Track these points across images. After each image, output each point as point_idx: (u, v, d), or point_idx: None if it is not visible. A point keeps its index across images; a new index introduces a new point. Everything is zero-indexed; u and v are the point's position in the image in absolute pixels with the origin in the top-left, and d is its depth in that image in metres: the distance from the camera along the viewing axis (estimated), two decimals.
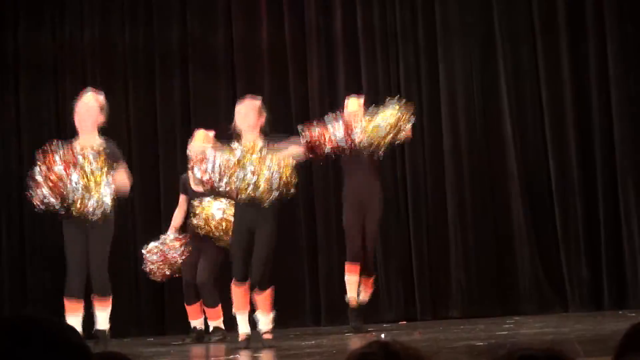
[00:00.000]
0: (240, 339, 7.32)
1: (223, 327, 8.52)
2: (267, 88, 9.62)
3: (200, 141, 8.34)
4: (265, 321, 7.20)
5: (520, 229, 9.16)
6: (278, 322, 7.65)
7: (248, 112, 7.48)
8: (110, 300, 7.27)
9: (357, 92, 8.77)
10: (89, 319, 7.00)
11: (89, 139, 7.17)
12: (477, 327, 7.75)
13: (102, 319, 7.21)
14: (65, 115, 9.83)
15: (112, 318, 7.30)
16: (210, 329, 8.55)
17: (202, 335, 8.53)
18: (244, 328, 7.29)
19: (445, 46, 9.52)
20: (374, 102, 8.40)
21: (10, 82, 9.96)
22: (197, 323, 8.58)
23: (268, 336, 7.24)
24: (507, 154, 9.28)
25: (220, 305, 8.49)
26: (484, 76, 9.48)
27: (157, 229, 8.81)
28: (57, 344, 1.54)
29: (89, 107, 7.26)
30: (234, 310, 7.30)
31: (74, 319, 6.84)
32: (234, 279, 7.19)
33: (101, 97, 7.32)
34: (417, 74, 9.55)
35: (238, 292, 7.23)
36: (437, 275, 8.88)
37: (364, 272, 8.10)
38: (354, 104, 8.27)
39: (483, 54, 9.50)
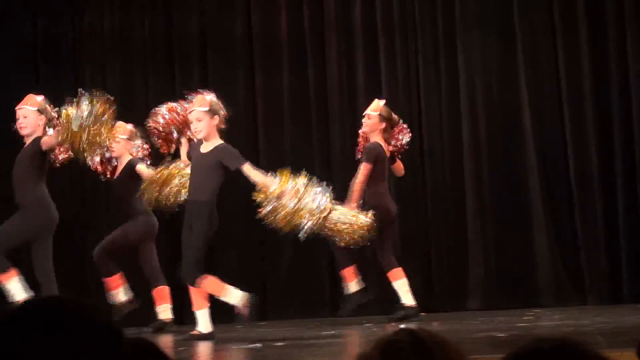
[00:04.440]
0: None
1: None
2: (285, 77, 9.63)
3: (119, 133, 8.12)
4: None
5: (539, 221, 9.13)
6: (297, 313, 7.64)
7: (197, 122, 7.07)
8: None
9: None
10: None
11: None
12: (496, 319, 7.74)
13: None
14: None
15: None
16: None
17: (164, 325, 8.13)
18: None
19: (465, 39, 9.49)
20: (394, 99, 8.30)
21: (29, 73, 9.95)
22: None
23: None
24: (527, 147, 9.26)
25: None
26: (503, 69, 9.45)
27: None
28: (89, 326, 1.54)
29: None
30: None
31: None
32: None
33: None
34: (436, 67, 9.53)
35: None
36: (456, 267, 8.86)
37: None
38: None
39: (502, 47, 9.47)
